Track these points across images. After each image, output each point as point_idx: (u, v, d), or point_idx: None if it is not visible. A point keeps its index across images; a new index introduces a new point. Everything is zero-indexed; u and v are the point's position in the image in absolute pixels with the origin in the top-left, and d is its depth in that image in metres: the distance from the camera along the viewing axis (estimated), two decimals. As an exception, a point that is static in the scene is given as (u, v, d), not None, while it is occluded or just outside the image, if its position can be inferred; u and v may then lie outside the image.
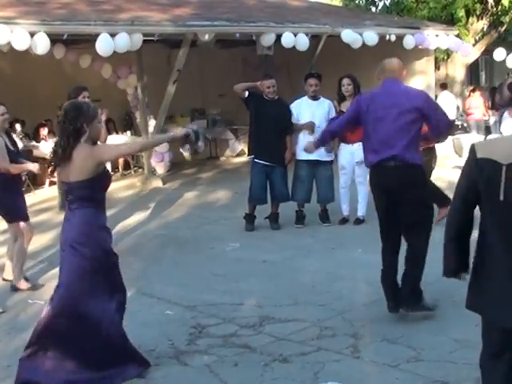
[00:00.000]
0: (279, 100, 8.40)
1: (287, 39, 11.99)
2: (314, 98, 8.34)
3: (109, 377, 4.22)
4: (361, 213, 8.42)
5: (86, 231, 4.21)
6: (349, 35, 12.70)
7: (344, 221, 8.50)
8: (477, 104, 16.40)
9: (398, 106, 5.06)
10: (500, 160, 2.86)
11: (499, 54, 14.46)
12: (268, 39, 12.00)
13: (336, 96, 8.42)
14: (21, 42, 9.72)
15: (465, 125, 16.77)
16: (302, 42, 12.21)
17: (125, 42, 10.41)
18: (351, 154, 8.32)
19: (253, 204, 8.52)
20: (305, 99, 8.41)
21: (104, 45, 10.20)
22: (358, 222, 8.39)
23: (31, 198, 11.39)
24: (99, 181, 4.25)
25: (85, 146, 4.19)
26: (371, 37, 12.92)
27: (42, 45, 9.82)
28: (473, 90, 16.97)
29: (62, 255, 4.29)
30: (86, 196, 4.21)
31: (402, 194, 5.05)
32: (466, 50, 15.02)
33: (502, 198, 2.86)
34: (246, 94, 8.24)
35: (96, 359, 4.20)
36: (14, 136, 12.13)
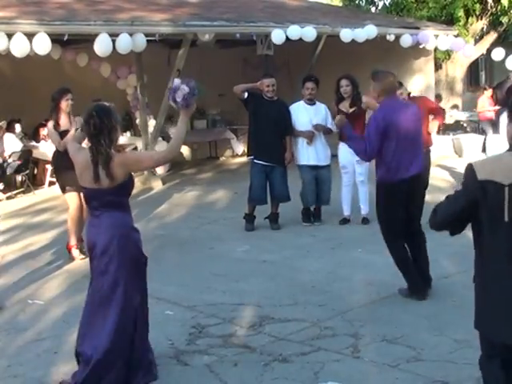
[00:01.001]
0: (278, 100, 8.41)
1: (294, 32, 11.94)
2: (311, 101, 8.40)
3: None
4: (364, 212, 8.43)
5: (117, 233, 4.15)
6: (347, 34, 12.68)
7: (345, 221, 8.51)
8: (490, 103, 16.21)
9: (412, 121, 5.63)
10: (502, 181, 2.86)
11: (498, 53, 14.44)
12: (278, 36, 11.89)
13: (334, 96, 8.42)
14: (20, 48, 9.69)
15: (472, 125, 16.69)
16: (310, 35, 12.16)
17: (127, 43, 10.40)
18: (351, 152, 8.29)
19: (252, 204, 8.52)
20: (302, 103, 8.46)
21: (102, 45, 10.18)
22: (366, 221, 8.39)
23: (31, 198, 11.41)
24: (127, 187, 4.26)
25: (114, 153, 4.09)
26: (372, 30, 12.86)
27: (43, 45, 9.81)
28: (485, 89, 16.79)
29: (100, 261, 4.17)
30: (115, 201, 4.17)
31: (418, 192, 5.86)
32: (469, 51, 14.97)
33: (506, 219, 2.87)
34: (246, 95, 8.25)
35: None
36: (14, 136, 12.20)
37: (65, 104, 7.11)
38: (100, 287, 4.15)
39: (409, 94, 8.20)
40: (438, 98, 16.20)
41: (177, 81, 4.19)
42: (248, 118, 8.50)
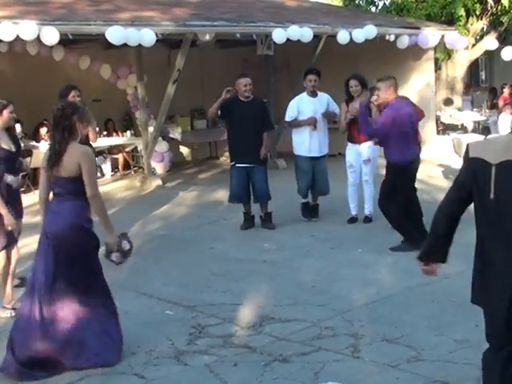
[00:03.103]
0: (254, 99, 8.43)
1: (294, 32, 11.96)
2: (313, 93, 8.47)
3: None
4: (368, 211, 8.45)
5: (75, 222, 4.47)
6: (345, 35, 12.65)
7: (353, 220, 8.51)
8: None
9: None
10: (490, 160, 2.97)
11: (507, 52, 14.35)
12: (278, 36, 11.89)
13: (344, 96, 8.48)
14: (28, 34, 9.75)
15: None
16: (307, 35, 12.17)
17: (135, 36, 10.48)
18: (358, 153, 8.40)
19: (233, 202, 8.62)
20: (304, 95, 8.56)
21: (116, 34, 10.24)
22: (368, 220, 8.43)
23: (31, 198, 11.40)
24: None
25: (78, 145, 4.49)
26: (370, 31, 12.84)
27: (50, 36, 9.86)
28: (502, 87, 16.61)
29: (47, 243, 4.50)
30: (74, 190, 4.46)
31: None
32: (462, 43, 14.76)
33: (492, 196, 2.97)
34: (219, 112, 8.34)
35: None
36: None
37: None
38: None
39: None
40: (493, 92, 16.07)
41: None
42: (226, 126, 8.51)
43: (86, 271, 4.51)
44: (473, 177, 3.06)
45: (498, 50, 15.28)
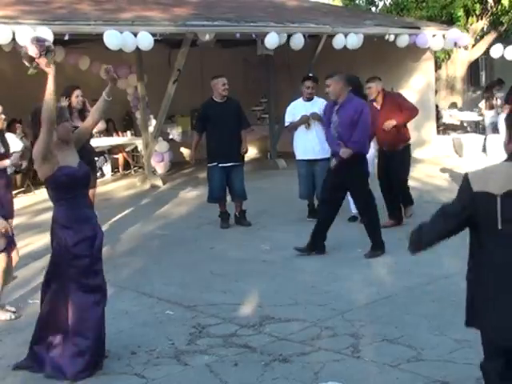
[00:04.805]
0: (229, 99, 8.56)
1: (296, 40, 12.05)
2: (309, 99, 8.54)
3: None
4: (355, 210, 8.44)
5: (53, 228, 4.40)
6: (341, 40, 12.68)
7: (353, 219, 8.52)
8: None
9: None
10: (494, 191, 3.00)
11: (496, 50, 14.37)
12: (271, 41, 11.93)
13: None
14: (24, 38, 9.71)
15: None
16: (297, 42, 12.23)
17: (131, 41, 10.43)
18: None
19: (212, 202, 8.72)
20: (300, 100, 8.68)
21: (112, 39, 10.23)
22: (354, 219, 8.45)
23: (31, 198, 11.42)
24: (54, 181, 4.31)
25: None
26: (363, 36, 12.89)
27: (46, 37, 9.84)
28: None
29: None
30: (51, 196, 4.42)
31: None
32: (464, 41, 14.73)
33: (500, 227, 3.00)
34: (200, 134, 8.63)
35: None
36: (14, 136, 12.19)
37: (75, 100, 7.18)
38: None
39: (383, 89, 8.21)
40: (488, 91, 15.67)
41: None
42: (204, 128, 8.61)
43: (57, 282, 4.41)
44: (479, 211, 3.04)
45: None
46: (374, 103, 8.01)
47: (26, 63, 4.19)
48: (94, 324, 4.35)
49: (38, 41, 4.16)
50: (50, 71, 4.18)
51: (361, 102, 7.02)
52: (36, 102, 4.39)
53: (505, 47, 14.02)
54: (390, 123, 7.88)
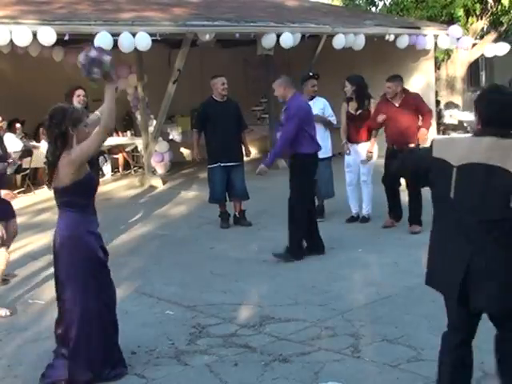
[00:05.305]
0: (228, 99, 8.59)
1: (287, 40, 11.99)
2: (311, 98, 8.49)
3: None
4: (366, 211, 8.45)
5: (70, 235, 4.22)
6: (341, 40, 12.66)
7: (353, 219, 8.52)
8: None
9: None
10: (452, 161, 3.12)
11: (490, 50, 14.39)
12: (269, 41, 11.92)
13: (343, 95, 8.53)
14: (23, 39, 9.72)
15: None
16: (288, 41, 12.15)
17: (129, 41, 10.40)
18: (356, 152, 8.39)
19: (214, 203, 8.72)
20: None
21: (102, 43, 10.18)
22: (365, 220, 8.44)
23: (31, 198, 11.41)
24: (81, 186, 4.22)
25: (66, 152, 4.17)
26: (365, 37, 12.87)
27: (47, 37, 9.84)
28: None
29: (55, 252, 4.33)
30: (69, 202, 4.22)
31: None
32: (466, 43, 14.71)
33: (452, 195, 3.15)
34: (199, 132, 8.67)
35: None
36: (14, 136, 12.20)
37: (76, 100, 7.20)
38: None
39: (404, 89, 8.14)
40: None
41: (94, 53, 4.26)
42: (204, 127, 8.63)
43: (76, 287, 4.27)
44: (435, 174, 3.24)
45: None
46: (393, 100, 7.93)
47: (95, 75, 4.23)
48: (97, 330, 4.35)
49: (102, 51, 4.32)
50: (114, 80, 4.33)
51: (295, 105, 7.00)
52: (56, 104, 4.37)
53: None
54: (424, 134, 7.70)
